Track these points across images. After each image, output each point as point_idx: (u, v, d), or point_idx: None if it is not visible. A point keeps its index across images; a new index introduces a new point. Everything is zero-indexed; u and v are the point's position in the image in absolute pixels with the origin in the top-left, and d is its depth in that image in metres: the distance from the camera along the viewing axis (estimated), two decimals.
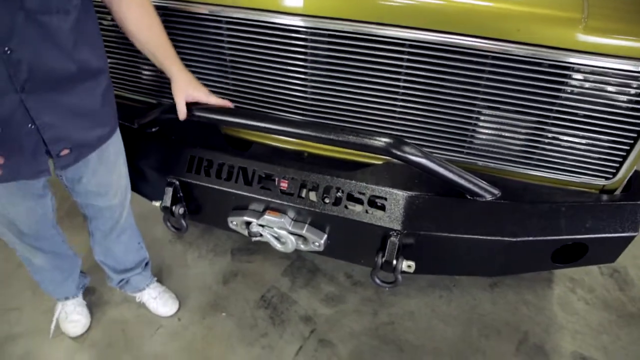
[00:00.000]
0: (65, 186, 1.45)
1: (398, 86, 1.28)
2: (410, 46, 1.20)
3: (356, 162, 1.45)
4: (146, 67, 1.57)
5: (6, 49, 1.02)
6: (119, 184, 1.50)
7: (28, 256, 1.57)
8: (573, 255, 1.36)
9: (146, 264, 1.90)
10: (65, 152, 1.24)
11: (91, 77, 1.22)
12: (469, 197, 1.27)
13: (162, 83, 1.57)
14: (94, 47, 1.21)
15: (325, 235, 1.37)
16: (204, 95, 1.34)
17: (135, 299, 1.95)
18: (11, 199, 1.32)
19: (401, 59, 1.23)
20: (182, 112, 1.34)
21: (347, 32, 1.22)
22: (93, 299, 2.00)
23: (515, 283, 2.04)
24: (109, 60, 1.60)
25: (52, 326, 1.88)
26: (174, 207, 1.46)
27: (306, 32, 1.26)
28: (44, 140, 1.18)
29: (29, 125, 1.14)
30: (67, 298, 1.85)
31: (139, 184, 1.61)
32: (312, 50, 1.29)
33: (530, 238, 1.25)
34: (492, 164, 1.35)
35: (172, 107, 1.34)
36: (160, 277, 2.06)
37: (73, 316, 1.87)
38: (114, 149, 1.40)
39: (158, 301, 1.93)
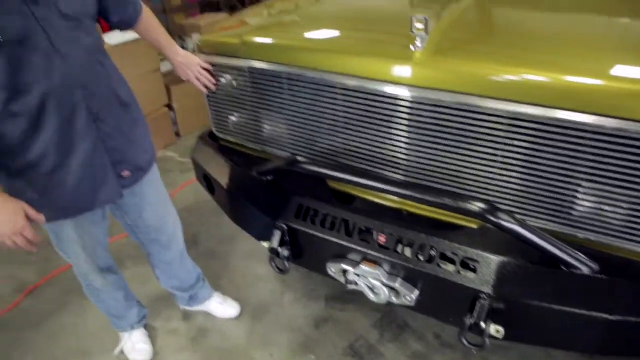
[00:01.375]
0: (128, 226, 1.72)
1: (496, 155, 1.34)
2: (510, 118, 1.27)
3: (451, 223, 1.51)
4: (265, 123, 1.79)
5: (85, 86, 1.35)
6: (172, 212, 1.80)
7: (93, 282, 1.80)
8: None
9: (203, 278, 2.17)
10: (127, 173, 1.52)
11: (130, 106, 1.53)
12: (563, 268, 1.27)
13: (280, 138, 1.78)
14: (123, 81, 1.55)
15: (417, 291, 1.43)
16: (193, 80, 1.76)
17: (205, 314, 2.21)
18: (84, 229, 1.58)
19: (500, 130, 1.30)
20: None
21: (450, 103, 1.33)
22: (194, 326, 2.20)
23: None
24: (234, 118, 1.88)
25: (116, 352, 2.10)
26: (280, 249, 1.61)
27: (411, 101, 1.38)
28: (112, 162, 1.46)
29: (104, 151, 1.43)
30: (132, 328, 2.07)
31: (250, 224, 1.80)
32: (415, 117, 1.40)
33: (632, 319, 1.21)
34: (592, 237, 1.34)
35: (289, 162, 1.52)
36: (257, 313, 2.22)
37: (140, 345, 2.08)
38: (160, 179, 1.72)
39: (224, 306, 2.22)
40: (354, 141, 1.58)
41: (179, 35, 4.27)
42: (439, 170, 1.46)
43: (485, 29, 1.51)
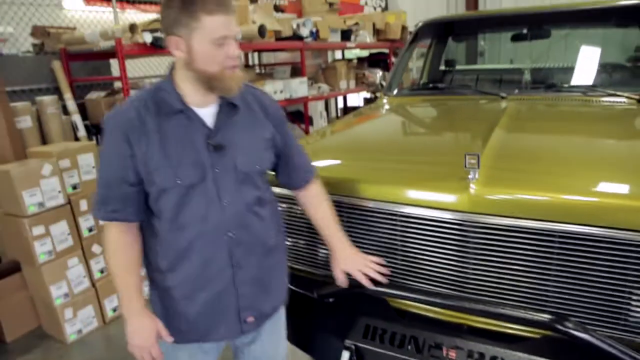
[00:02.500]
0: (235, 349, 1.68)
1: (550, 269, 1.48)
2: (560, 237, 1.43)
3: (509, 334, 1.58)
4: (321, 248, 1.93)
5: (230, 234, 1.41)
6: (283, 355, 1.73)
7: None
8: None
9: None
10: (251, 319, 1.52)
11: (274, 251, 1.55)
12: None
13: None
14: (278, 225, 1.58)
15: None
16: (355, 271, 1.62)
17: None
18: (195, 356, 1.55)
19: (552, 247, 1.45)
20: (341, 281, 1.66)
21: (501, 225, 1.49)
22: None
23: None
24: (288, 243, 1.98)
25: None
26: None
27: (466, 224, 1.55)
28: (238, 307, 1.48)
29: (233, 295, 1.46)
30: None
31: (314, 346, 1.86)
32: (471, 238, 1.56)
33: None
34: None
35: (356, 285, 1.64)
36: None
37: None
38: (283, 320, 1.69)
39: None
40: (411, 261, 1.72)
41: None
42: (495, 285, 1.59)
43: (523, 155, 1.74)
